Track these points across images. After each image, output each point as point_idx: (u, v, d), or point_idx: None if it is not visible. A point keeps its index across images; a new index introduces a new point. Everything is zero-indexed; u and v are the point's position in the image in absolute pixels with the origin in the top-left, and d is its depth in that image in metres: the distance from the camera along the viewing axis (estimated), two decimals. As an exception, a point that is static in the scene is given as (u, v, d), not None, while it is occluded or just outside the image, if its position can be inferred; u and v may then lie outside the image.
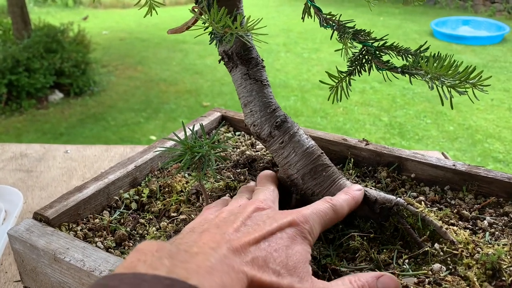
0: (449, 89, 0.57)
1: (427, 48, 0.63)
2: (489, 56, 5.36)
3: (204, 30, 0.55)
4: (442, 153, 1.13)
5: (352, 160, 0.80)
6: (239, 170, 0.75)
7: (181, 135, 0.81)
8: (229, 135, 0.88)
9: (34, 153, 1.12)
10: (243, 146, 0.85)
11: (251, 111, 0.68)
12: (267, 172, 0.68)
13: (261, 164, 0.77)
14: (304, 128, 0.85)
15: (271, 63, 5.50)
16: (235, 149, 0.84)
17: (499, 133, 4.04)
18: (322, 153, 0.68)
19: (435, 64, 0.57)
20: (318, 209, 0.55)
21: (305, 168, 0.66)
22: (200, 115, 0.92)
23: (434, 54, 0.60)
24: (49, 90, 4.65)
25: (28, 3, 6.54)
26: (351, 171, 0.79)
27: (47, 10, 8.18)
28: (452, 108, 0.57)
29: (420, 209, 0.64)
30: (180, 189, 0.70)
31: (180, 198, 0.69)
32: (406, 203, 0.63)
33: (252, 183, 0.69)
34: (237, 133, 0.90)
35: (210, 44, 0.58)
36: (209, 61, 5.59)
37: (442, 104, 0.59)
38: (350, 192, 0.62)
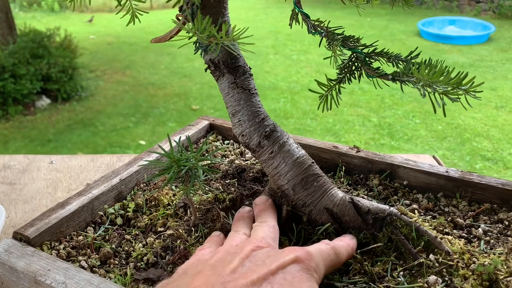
0: (441, 96, 0.56)
1: (418, 54, 0.62)
2: (476, 56, 5.40)
3: (189, 39, 0.53)
4: (434, 157, 1.12)
5: (344, 167, 0.79)
6: (228, 181, 0.73)
7: (167, 146, 0.78)
8: (218, 144, 0.86)
9: (17, 165, 1.09)
10: (232, 155, 0.83)
11: (240, 121, 0.66)
12: (264, 200, 0.63)
13: (250, 174, 0.75)
14: (294, 135, 0.84)
15: (260, 65, 5.48)
16: (224, 158, 0.82)
17: (487, 131, 4.06)
18: (312, 162, 0.66)
19: (426, 71, 0.55)
20: (321, 249, 0.52)
21: (296, 179, 0.64)
22: (189, 119, 0.90)
23: (425, 60, 0.59)
24: (36, 96, 4.59)
25: (13, 8, 6.46)
26: (342, 179, 0.77)
27: (33, 15, 8.08)
28: (445, 115, 0.56)
29: (414, 218, 0.62)
30: (167, 203, 0.68)
31: (167, 212, 0.67)
32: (399, 213, 0.62)
33: (246, 209, 0.63)
34: (226, 141, 0.88)
35: (195, 53, 0.56)
36: (197, 64, 5.56)
37: (435, 112, 0.57)
38: (345, 241, 0.58)
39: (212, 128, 0.90)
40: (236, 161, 0.80)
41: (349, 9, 7.94)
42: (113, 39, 6.69)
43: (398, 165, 0.75)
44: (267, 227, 0.56)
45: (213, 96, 4.70)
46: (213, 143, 0.87)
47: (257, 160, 0.72)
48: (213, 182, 0.74)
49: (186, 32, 0.53)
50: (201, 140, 0.87)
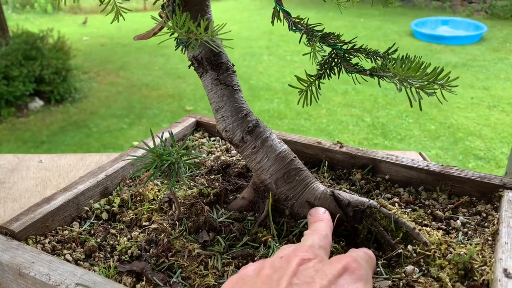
0: (417, 90, 0.57)
1: (396, 50, 0.63)
2: (468, 55, 5.43)
3: (170, 36, 0.54)
4: (420, 153, 1.14)
5: (327, 163, 0.80)
6: (213, 176, 0.74)
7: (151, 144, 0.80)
8: (204, 140, 0.88)
9: (7, 164, 1.10)
10: (218, 151, 0.84)
11: (223, 117, 0.67)
12: (321, 212, 0.60)
13: (235, 170, 0.77)
14: (279, 132, 0.85)
15: (253, 66, 5.49)
16: (210, 154, 0.83)
17: (479, 130, 4.09)
18: (295, 157, 0.68)
19: (402, 66, 0.57)
20: (362, 256, 0.48)
21: (278, 173, 0.66)
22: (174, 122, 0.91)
23: (403, 56, 0.60)
24: (29, 98, 4.58)
25: (6, 10, 6.44)
26: (326, 174, 0.78)
27: (26, 17, 8.06)
28: (421, 109, 0.58)
29: (393, 211, 0.63)
30: (152, 198, 0.69)
31: (152, 206, 0.68)
32: (379, 205, 0.63)
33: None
34: (212, 138, 0.89)
35: (175, 50, 0.58)
36: (191, 65, 5.55)
37: (411, 106, 0.59)
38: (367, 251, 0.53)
39: (198, 125, 0.91)
40: (222, 157, 0.81)
41: (342, 9, 7.97)
42: (107, 41, 6.69)
43: (380, 160, 0.76)
44: (318, 236, 0.52)
45: (206, 97, 4.71)
46: (199, 140, 0.88)
47: (240, 156, 0.73)
48: (198, 177, 0.75)
49: (167, 29, 0.54)
50: (188, 137, 0.88)
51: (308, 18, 0.63)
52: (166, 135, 0.83)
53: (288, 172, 0.66)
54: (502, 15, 6.31)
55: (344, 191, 0.72)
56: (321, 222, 0.57)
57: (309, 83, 0.64)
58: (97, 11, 7.82)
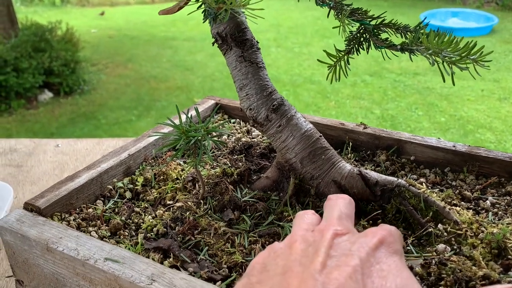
0: (450, 65, 0.56)
1: (427, 24, 0.62)
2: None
3: (198, 8, 0.53)
4: (439, 139, 1.12)
5: (351, 144, 0.79)
6: (235, 157, 0.73)
7: (176, 122, 0.79)
8: (224, 123, 0.87)
9: (24, 148, 1.09)
10: (238, 133, 0.83)
11: (247, 95, 0.66)
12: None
13: (257, 150, 0.76)
14: (300, 114, 0.84)
15: (262, 58, 5.46)
16: (231, 136, 0.82)
17: (490, 123, 4.05)
18: (320, 136, 0.66)
19: (435, 40, 0.55)
20: (392, 229, 0.46)
21: (304, 152, 0.65)
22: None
23: (434, 30, 0.59)
24: (39, 90, 4.59)
25: (15, 3, 6.46)
26: (349, 155, 0.77)
27: (34, 9, 8.07)
28: (454, 84, 0.56)
29: (422, 190, 0.62)
30: (175, 177, 0.69)
31: (175, 185, 0.67)
32: (407, 184, 0.62)
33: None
34: (232, 120, 0.88)
35: (203, 22, 0.56)
36: (199, 57, 5.55)
37: (444, 81, 0.57)
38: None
39: (218, 107, 0.90)
40: (243, 139, 0.80)
41: (351, 1, 7.92)
42: (115, 33, 6.68)
43: (405, 141, 0.75)
44: (343, 202, 0.49)
45: (215, 89, 4.70)
46: (219, 121, 0.87)
47: (264, 135, 0.72)
48: (220, 157, 0.74)
49: (195, 1, 0.53)
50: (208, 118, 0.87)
51: (337, -8, 0.61)
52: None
53: (314, 151, 0.65)
54: (513, 6, 6.24)
55: (370, 170, 0.71)
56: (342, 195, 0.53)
57: (338, 58, 0.62)
58: (105, 3, 7.82)
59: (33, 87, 4.49)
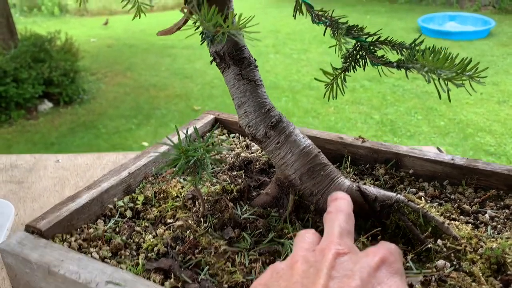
0: (446, 82, 0.57)
1: (422, 41, 0.62)
2: (477, 51, 5.39)
3: (195, 30, 0.54)
4: (437, 148, 1.12)
5: (349, 158, 0.79)
6: (235, 173, 0.74)
7: (175, 139, 0.79)
8: (223, 137, 0.87)
9: (24, 164, 1.10)
10: (238, 148, 0.84)
11: (246, 112, 0.66)
12: (340, 193, 0.56)
13: (257, 166, 0.76)
14: (299, 127, 0.84)
15: (260, 65, 5.46)
16: (230, 151, 0.83)
17: (489, 126, 4.06)
18: (319, 152, 0.67)
19: (431, 57, 0.56)
20: (392, 247, 0.46)
21: (303, 168, 0.65)
22: (191, 119, 0.91)
23: (429, 47, 0.59)
24: (38, 100, 4.60)
25: (14, 13, 6.48)
26: (348, 169, 0.77)
27: (33, 20, 8.10)
28: (450, 101, 0.57)
29: (421, 205, 0.63)
30: (175, 195, 0.69)
31: (176, 203, 0.67)
32: (406, 200, 0.62)
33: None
34: (232, 135, 0.89)
35: (201, 44, 0.57)
36: (198, 65, 5.57)
37: (440, 98, 0.58)
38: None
39: (217, 122, 0.90)
40: (242, 154, 0.81)
41: (349, 7, 7.94)
42: (113, 42, 6.71)
43: (403, 154, 0.75)
44: (343, 217, 0.49)
45: (214, 97, 4.71)
46: (219, 137, 0.87)
47: (264, 151, 0.72)
48: (220, 174, 0.74)
49: (193, 23, 0.53)
50: (207, 134, 0.87)
51: (333, 10, 0.62)
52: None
53: (313, 167, 0.65)
54: (510, 9, 6.26)
55: (369, 186, 0.71)
56: (342, 200, 0.54)
57: (334, 76, 0.63)
58: (104, 13, 7.85)
59: (33, 98, 4.50)
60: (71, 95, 4.70)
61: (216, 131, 0.89)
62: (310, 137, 0.81)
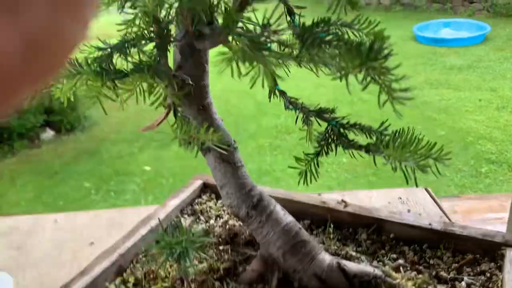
0: (412, 168, 0.59)
1: (389, 125, 0.65)
2: (473, 57, 5.41)
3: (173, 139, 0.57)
4: (426, 189, 1.15)
5: (334, 221, 0.82)
6: (221, 247, 0.77)
7: (172, 204, 0.83)
8: (211, 204, 0.90)
9: (23, 226, 1.13)
10: (226, 214, 0.87)
11: (227, 193, 0.70)
12: None
13: (243, 238, 0.79)
14: (285, 191, 0.87)
15: (259, 81, 5.52)
16: (218, 218, 0.86)
17: (490, 133, 4.07)
18: (300, 228, 0.70)
19: (395, 147, 0.59)
20: None
21: (285, 246, 0.68)
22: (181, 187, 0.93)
23: (396, 132, 0.62)
24: (40, 129, 4.66)
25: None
26: (332, 235, 0.80)
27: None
28: (417, 186, 0.59)
29: (397, 280, 0.65)
30: (164, 275, 0.72)
31: (164, 284, 0.70)
32: (384, 275, 0.65)
33: None
34: (220, 201, 0.92)
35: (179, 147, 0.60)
36: (197, 84, 5.60)
37: (407, 183, 0.61)
38: None
39: (206, 187, 0.94)
40: (230, 222, 0.84)
41: (345, 17, 7.98)
42: (113, 65, 6.77)
43: (384, 220, 0.78)
44: None
45: (214, 117, 4.74)
46: (207, 203, 0.90)
47: (247, 229, 0.76)
48: (207, 248, 0.77)
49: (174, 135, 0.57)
50: (196, 201, 0.90)
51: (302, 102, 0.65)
52: (176, 202, 0.86)
53: (295, 245, 0.68)
54: (504, 12, 6.28)
55: (351, 254, 0.74)
56: None
57: (307, 162, 0.66)
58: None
59: (35, 127, 4.56)
60: (73, 122, 4.76)
61: (205, 197, 0.92)
62: (292, 202, 0.84)
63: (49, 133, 4.69)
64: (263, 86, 0.49)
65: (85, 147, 4.49)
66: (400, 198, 1.11)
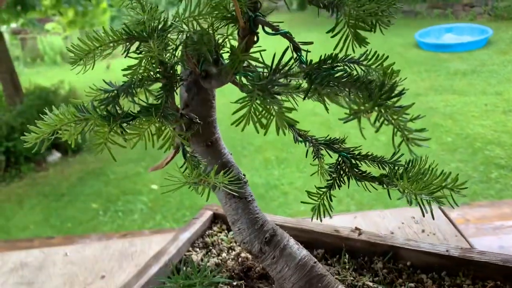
0: (428, 200, 0.58)
1: (402, 154, 0.64)
2: (477, 61, 5.39)
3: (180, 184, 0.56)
4: (440, 208, 1.13)
5: (347, 251, 0.80)
6: (235, 283, 0.75)
7: (179, 244, 0.81)
8: (223, 235, 0.89)
9: (34, 261, 1.12)
10: (238, 246, 0.85)
11: (239, 229, 0.68)
12: None
13: (256, 271, 0.77)
14: (296, 220, 0.86)
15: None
16: (230, 251, 0.84)
17: (498, 138, 4.03)
18: (315, 262, 0.68)
19: (409, 180, 0.57)
20: None
21: (300, 281, 0.66)
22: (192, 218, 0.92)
23: (409, 162, 0.61)
24: (47, 152, 4.68)
25: (17, 66, 6.64)
26: (347, 265, 0.78)
27: (37, 70, 8.27)
28: (433, 219, 0.58)
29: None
30: (178, 315, 0.70)
31: (179, 325, 0.69)
32: (403, 309, 0.63)
33: None
34: (231, 232, 0.90)
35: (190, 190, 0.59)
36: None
37: (423, 216, 0.59)
38: None
39: (216, 218, 0.92)
40: (242, 254, 0.82)
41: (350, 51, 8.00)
42: (117, 84, 6.81)
43: (399, 247, 0.76)
44: None
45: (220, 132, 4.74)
46: (218, 234, 0.89)
47: (261, 265, 0.74)
48: (221, 285, 0.76)
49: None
50: (206, 232, 0.89)
51: (312, 135, 0.64)
52: (187, 235, 0.84)
53: (310, 280, 0.66)
54: (506, 15, 6.28)
55: (368, 285, 0.72)
56: None
57: (319, 196, 0.64)
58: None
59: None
60: (79, 144, 4.78)
61: (215, 228, 0.90)
62: (306, 231, 0.83)
63: (55, 155, 4.70)
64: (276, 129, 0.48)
65: (91, 168, 4.50)
66: (414, 218, 1.09)
